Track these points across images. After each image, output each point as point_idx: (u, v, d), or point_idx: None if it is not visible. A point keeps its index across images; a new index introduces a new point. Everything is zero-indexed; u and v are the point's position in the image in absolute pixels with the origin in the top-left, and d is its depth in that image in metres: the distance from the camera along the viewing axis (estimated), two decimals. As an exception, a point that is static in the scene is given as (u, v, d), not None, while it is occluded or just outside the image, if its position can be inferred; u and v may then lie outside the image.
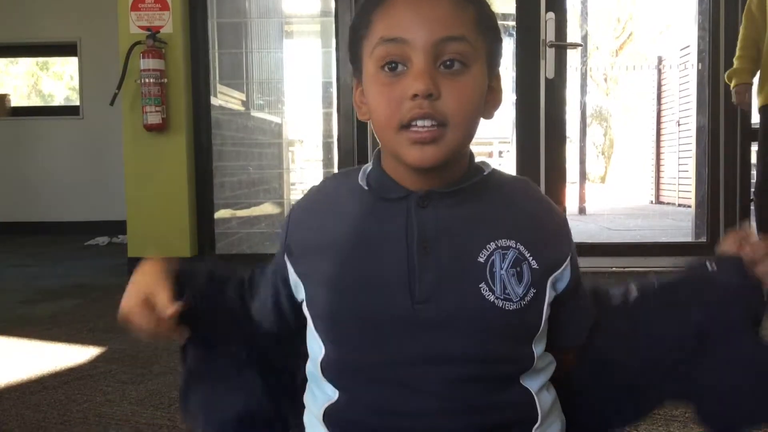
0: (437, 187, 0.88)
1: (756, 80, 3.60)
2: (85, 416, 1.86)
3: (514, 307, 0.84)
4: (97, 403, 1.96)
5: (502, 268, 0.85)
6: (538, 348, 0.88)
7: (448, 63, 0.83)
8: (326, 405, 0.88)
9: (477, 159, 0.93)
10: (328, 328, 0.87)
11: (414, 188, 0.88)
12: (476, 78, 0.85)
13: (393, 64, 0.83)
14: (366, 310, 0.84)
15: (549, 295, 0.88)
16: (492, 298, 0.84)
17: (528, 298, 0.85)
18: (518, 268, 0.85)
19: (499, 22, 0.91)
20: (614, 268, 3.75)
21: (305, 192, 0.97)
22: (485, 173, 0.91)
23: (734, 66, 3.65)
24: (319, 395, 0.89)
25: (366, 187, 0.90)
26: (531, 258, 0.86)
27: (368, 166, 0.93)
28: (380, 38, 0.83)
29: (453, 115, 0.82)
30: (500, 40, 0.90)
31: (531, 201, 0.92)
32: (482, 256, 0.85)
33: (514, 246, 0.86)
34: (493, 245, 0.86)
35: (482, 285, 0.84)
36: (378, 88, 0.85)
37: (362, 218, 0.88)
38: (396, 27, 0.83)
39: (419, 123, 0.82)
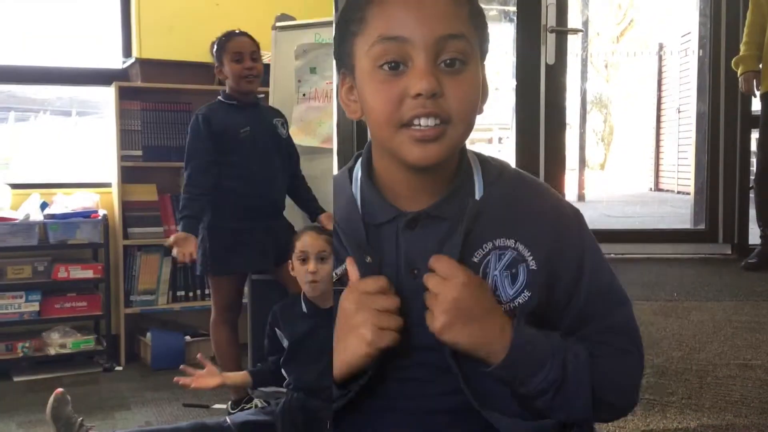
0: (427, 189, 0.87)
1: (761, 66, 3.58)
2: None
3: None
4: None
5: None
6: None
7: (448, 62, 0.82)
8: None
9: (472, 148, 0.92)
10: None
11: (404, 194, 0.88)
12: (475, 74, 0.85)
13: (393, 63, 0.82)
14: None
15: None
16: None
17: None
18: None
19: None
20: (613, 255, 3.74)
21: None
22: (475, 180, 0.89)
23: (741, 52, 3.62)
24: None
25: (360, 210, 0.89)
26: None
27: (358, 173, 0.92)
28: (379, 36, 0.82)
29: (456, 112, 0.82)
30: (488, 34, 0.90)
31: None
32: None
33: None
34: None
35: None
36: (376, 86, 0.83)
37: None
38: (395, 25, 0.81)
39: (422, 122, 0.81)
